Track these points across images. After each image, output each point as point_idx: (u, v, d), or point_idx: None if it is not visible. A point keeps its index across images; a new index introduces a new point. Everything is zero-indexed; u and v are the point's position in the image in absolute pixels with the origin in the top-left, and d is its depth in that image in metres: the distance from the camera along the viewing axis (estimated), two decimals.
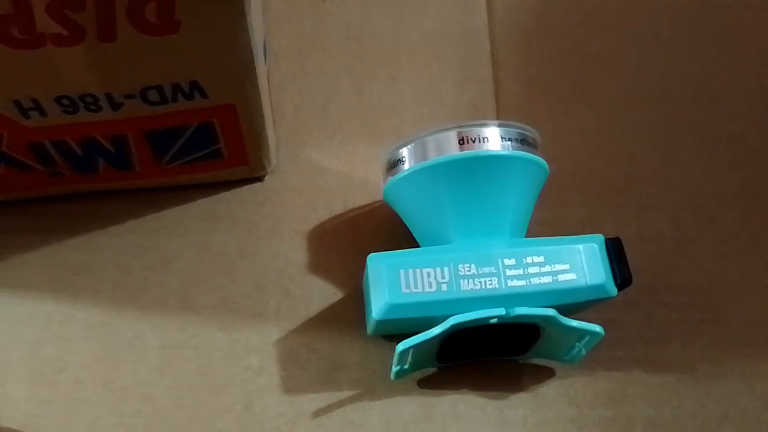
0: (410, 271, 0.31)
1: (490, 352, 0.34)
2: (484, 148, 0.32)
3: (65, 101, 0.30)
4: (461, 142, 0.32)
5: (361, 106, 0.43)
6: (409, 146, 0.33)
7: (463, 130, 0.32)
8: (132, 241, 0.37)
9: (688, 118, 0.44)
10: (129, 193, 0.38)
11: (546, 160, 0.34)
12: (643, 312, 0.38)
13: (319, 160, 0.41)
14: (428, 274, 0.31)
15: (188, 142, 0.35)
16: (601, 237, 0.32)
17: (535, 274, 0.31)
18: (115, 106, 0.31)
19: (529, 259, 0.31)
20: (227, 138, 0.35)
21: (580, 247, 0.31)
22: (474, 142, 0.32)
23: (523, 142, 0.33)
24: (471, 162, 0.32)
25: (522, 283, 0.31)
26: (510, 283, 0.30)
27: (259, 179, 0.40)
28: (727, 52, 0.47)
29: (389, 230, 0.38)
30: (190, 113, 0.33)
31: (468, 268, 0.31)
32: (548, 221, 0.40)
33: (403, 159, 0.33)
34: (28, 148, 0.33)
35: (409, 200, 0.34)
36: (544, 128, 0.42)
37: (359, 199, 0.40)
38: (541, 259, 0.31)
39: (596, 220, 0.41)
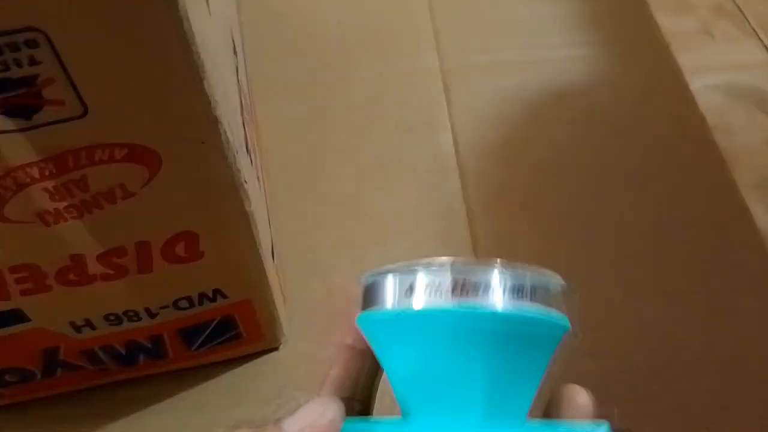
0: None
1: None
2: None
3: (111, 317, 0.37)
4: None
5: (359, 272, 0.49)
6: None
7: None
8: (170, 421, 0.43)
9: (646, 250, 0.50)
10: (163, 375, 0.44)
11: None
12: None
13: (326, 324, 0.47)
14: None
15: (213, 332, 0.41)
16: (605, 426, 0.23)
17: None
18: (152, 315, 0.37)
19: None
20: (245, 324, 0.41)
21: None
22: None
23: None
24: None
25: None
26: None
27: (275, 349, 0.45)
28: (676, 190, 0.53)
29: None
30: (214, 311, 0.39)
31: None
32: None
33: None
34: (81, 355, 0.39)
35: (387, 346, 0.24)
36: None
37: None
38: None
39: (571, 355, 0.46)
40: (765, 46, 0.64)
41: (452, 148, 0.56)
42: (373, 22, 0.65)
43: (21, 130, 0.25)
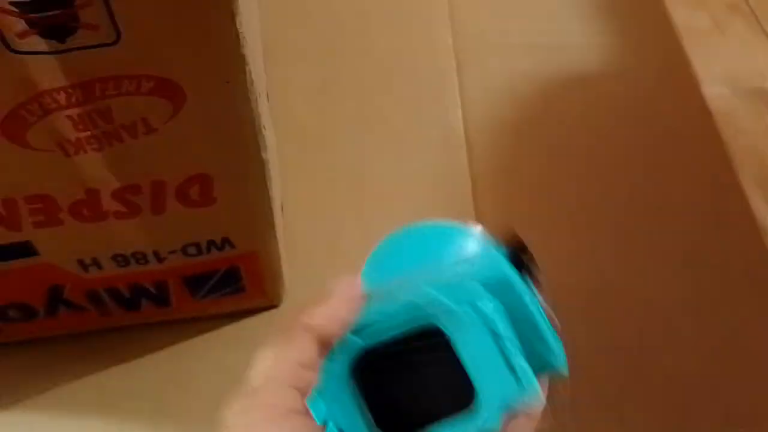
0: None
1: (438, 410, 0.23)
2: None
3: (119, 257, 0.37)
4: None
5: (364, 239, 0.49)
6: None
7: None
8: (169, 368, 0.43)
9: (646, 235, 0.51)
10: (165, 324, 0.44)
11: None
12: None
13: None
14: None
15: (218, 282, 0.41)
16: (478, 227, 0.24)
17: None
18: (160, 259, 0.37)
19: None
20: (249, 277, 0.41)
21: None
22: None
23: None
24: None
25: None
26: None
27: (276, 306, 0.46)
28: (681, 181, 0.54)
29: None
30: (221, 260, 0.39)
31: None
32: None
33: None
34: (85, 295, 0.39)
35: None
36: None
37: None
38: None
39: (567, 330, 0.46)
40: None
41: (461, 124, 0.56)
42: None
43: (53, 53, 0.25)
